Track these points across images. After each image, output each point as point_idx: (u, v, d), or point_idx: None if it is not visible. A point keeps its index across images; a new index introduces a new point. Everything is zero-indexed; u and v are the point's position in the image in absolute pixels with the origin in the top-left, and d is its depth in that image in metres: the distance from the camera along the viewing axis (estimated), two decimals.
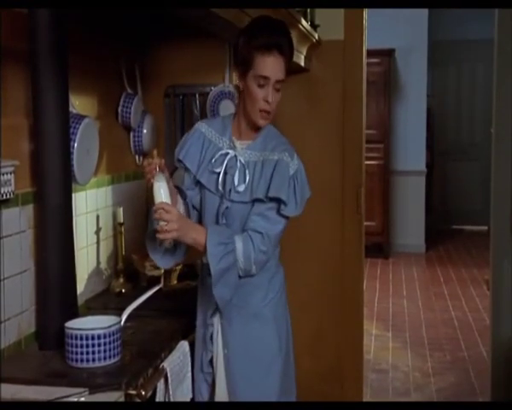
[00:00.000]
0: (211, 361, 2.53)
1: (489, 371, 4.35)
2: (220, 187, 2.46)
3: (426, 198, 9.48)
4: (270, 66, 2.33)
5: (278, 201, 2.38)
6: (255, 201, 2.40)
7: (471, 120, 10.98)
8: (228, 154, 2.45)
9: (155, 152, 2.33)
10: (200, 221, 2.54)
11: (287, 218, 2.42)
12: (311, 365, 4.02)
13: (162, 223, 2.25)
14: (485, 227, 10.42)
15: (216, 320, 2.51)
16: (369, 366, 5.23)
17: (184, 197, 2.51)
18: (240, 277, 2.38)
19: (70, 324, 2.27)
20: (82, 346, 2.20)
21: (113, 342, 2.25)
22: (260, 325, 2.48)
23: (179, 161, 2.53)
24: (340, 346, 4.09)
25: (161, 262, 2.51)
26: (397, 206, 9.35)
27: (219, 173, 2.45)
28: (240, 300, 2.44)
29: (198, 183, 2.52)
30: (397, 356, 5.60)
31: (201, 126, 2.54)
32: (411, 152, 9.29)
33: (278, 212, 2.39)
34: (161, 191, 2.30)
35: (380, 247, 9.04)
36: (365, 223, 4.39)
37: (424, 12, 9.12)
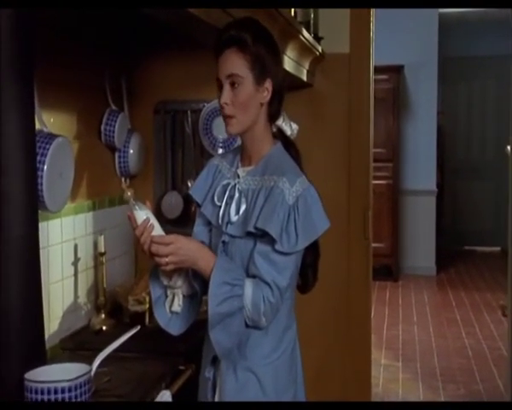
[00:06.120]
0: None
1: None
2: (220, 220, 2.16)
3: (436, 218, 9.21)
4: (220, 65, 2.08)
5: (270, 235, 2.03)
6: (256, 236, 2.05)
7: (482, 138, 10.78)
8: (229, 184, 2.17)
9: (124, 186, 2.13)
10: None
11: (292, 254, 2.05)
12: (315, 398, 3.73)
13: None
14: (498, 248, 10.19)
15: (213, 369, 2.19)
16: (377, 399, 4.91)
17: None
18: (247, 326, 2.06)
19: (30, 375, 1.94)
20: (43, 401, 1.90)
21: (81, 395, 1.93)
22: (257, 381, 2.11)
23: (191, 196, 2.29)
24: (346, 377, 3.84)
25: (173, 329, 2.21)
26: (406, 227, 9.10)
27: (221, 206, 2.17)
28: (238, 351, 2.10)
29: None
30: (407, 388, 5.29)
31: (215, 159, 2.31)
32: (421, 171, 9.05)
33: (277, 251, 2.02)
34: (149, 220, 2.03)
35: (389, 269, 8.78)
36: (374, 244, 4.15)
37: (434, 27, 8.92)
